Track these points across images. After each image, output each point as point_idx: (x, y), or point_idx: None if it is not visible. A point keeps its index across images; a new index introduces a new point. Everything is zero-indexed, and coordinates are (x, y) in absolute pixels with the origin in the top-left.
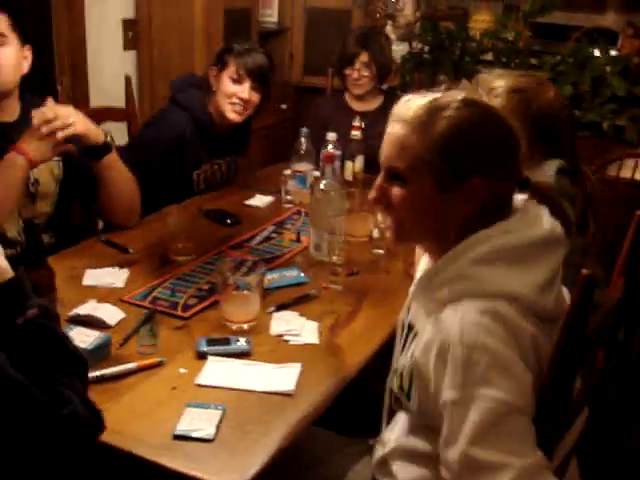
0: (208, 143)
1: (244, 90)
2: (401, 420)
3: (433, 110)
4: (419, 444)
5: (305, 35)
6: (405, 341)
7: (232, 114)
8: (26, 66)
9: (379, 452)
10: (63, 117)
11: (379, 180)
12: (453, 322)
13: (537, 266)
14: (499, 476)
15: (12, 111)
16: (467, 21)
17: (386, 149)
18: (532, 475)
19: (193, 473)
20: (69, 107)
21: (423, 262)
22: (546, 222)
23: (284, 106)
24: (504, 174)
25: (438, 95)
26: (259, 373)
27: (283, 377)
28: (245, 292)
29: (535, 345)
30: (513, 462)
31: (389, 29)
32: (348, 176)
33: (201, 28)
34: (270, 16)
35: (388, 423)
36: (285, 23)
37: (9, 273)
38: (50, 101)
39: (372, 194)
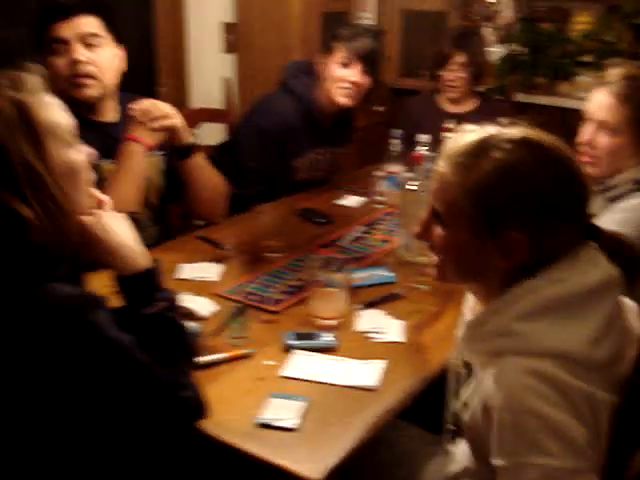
0: (313, 132)
1: (354, 74)
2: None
3: (480, 149)
4: (482, 469)
5: (401, 37)
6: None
7: (342, 98)
8: (122, 67)
9: (450, 468)
10: (162, 109)
11: (425, 215)
12: (498, 383)
13: (589, 316)
14: None
15: (113, 112)
16: (567, 22)
17: (432, 186)
18: None
19: (277, 461)
20: (166, 104)
21: (470, 301)
22: (601, 266)
23: (380, 108)
24: (555, 231)
25: (494, 131)
26: (343, 368)
27: (367, 372)
28: (333, 289)
29: (590, 401)
30: None
31: (487, 31)
32: None
33: (298, 31)
34: (367, 19)
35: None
36: (381, 26)
37: (148, 262)
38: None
39: (416, 228)
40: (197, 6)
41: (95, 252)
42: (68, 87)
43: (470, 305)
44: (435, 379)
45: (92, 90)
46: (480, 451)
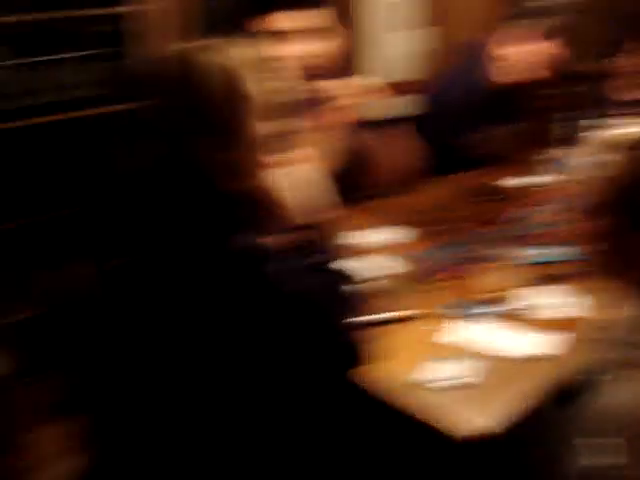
0: (484, 109)
1: (540, 49)
2: None
3: None
4: None
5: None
6: None
7: (530, 73)
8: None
9: None
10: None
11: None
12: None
13: None
14: None
15: None
16: None
17: (600, 174)
18: None
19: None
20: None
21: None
22: None
23: (556, 91)
24: None
25: None
26: (518, 337)
27: (543, 342)
28: (498, 264)
29: None
30: None
31: None
32: None
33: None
34: None
35: None
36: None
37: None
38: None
39: (579, 217)
40: None
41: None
42: None
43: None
44: None
45: None
46: None
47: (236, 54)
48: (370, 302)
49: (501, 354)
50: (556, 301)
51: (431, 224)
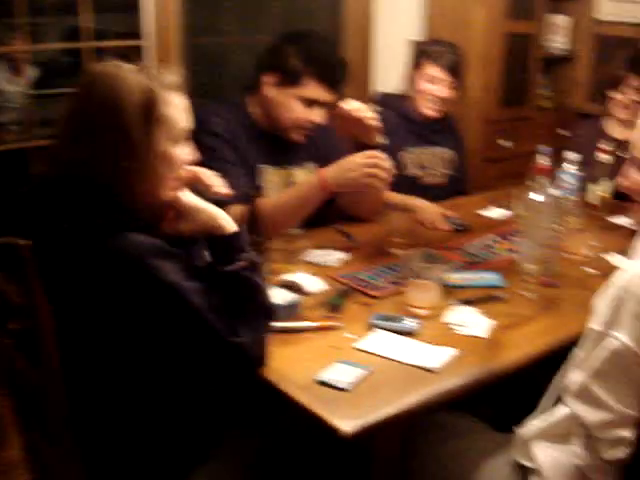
0: (411, 130)
1: (441, 89)
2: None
3: None
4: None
5: (592, 63)
6: None
7: (429, 111)
8: None
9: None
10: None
11: (629, 169)
12: (629, 270)
13: None
14: (597, 411)
15: None
16: None
17: (636, 142)
18: (619, 424)
19: (319, 412)
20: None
21: None
22: None
23: (564, 132)
24: None
25: None
26: (414, 349)
27: (434, 356)
28: (428, 282)
29: None
30: (614, 406)
31: None
32: (593, 199)
33: (479, 51)
34: (558, 42)
35: None
36: (573, 50)
37: (233, 227)
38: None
39: (622, 181)
40: (386, 24)
41: (189, 219)
42: None
43: None
44: (507, 376)
45: None
46: None
47: (157, 77)
48: (303, 313)
49: (397, 362)
50: (468, 320)
51: (389, 246)
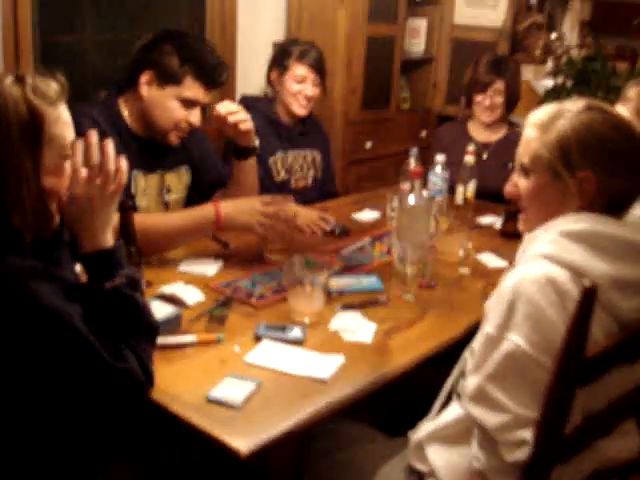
0: (279, 135)
1: (308, 87)
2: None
3: (557, 113)
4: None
5: (449, 66)
6: None
7: (300, 109)
8: None
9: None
10: (243, 111)
11: (514, 176)
12: (518, 273)
13: (622, 265)
14: (496, 414)
15: None
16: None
17: (519, 148)
18: (519, 425)
19: (214, 432)
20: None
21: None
22: None
23: (423, 133)
24: (617, 173)
25: (567, 102)
26: (303, 359)
27: (323, 365)
28: (309, 288)
29: None
30: (512, 408)
31: (549, 65)
32: (459, 200)
33: (343, 54)
34: (417, 45)
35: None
36: (431, 53)
37: (109, 243)
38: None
39: (507, 188)
40: (249, 26)
41: (72, 228)
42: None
43: None
44: (394, 380)
45: None
46: None
47: (48, 93)
48: (184, 326)
49: (287, 374)
50: (353, 326)
51: (265, 252)
